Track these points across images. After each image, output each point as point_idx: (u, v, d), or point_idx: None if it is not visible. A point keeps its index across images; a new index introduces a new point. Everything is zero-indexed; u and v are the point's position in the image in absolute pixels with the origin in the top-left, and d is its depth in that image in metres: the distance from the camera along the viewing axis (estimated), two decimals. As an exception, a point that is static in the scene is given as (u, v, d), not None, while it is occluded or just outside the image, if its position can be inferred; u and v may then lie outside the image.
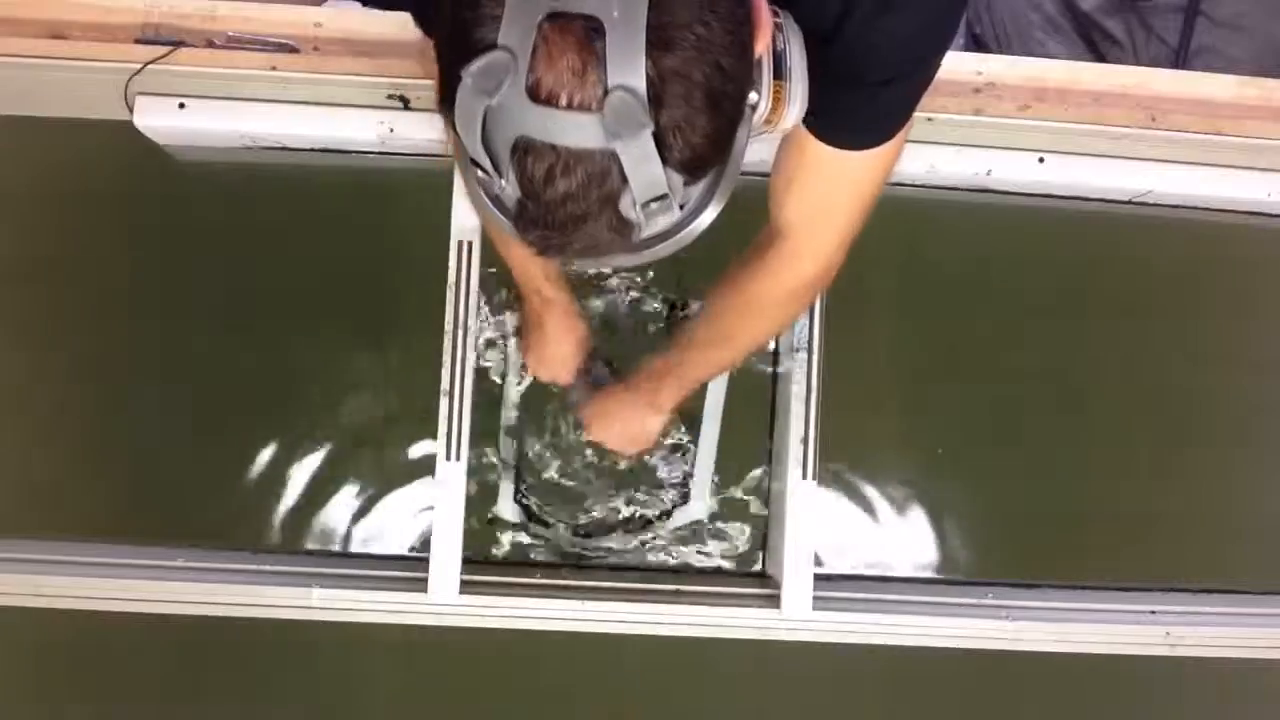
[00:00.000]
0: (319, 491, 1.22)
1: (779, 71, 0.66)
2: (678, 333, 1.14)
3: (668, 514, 1.25)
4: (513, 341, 1.25)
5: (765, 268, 0.92)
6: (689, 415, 1.25)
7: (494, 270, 1.21)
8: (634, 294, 1.27)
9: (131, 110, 1.13)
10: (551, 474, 1.25)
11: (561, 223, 0.56)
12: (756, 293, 0.95)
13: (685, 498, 1.25)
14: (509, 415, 1.25)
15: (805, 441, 1.13)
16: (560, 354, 1.19)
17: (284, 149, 1.21)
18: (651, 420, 1.14)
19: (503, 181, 0.56)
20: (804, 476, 1.13)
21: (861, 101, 0.75)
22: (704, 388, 1.25)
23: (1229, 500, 1.30)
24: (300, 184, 1.23)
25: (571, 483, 1.25)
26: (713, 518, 1.25)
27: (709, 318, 1.03)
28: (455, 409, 1.10)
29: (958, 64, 1.14)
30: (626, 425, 1.16)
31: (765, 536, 1.24)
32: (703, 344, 1.04)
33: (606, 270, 1.26)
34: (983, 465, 1.27)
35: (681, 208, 0.59)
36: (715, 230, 0.61)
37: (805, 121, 0.77)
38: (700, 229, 0.61)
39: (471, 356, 1.11)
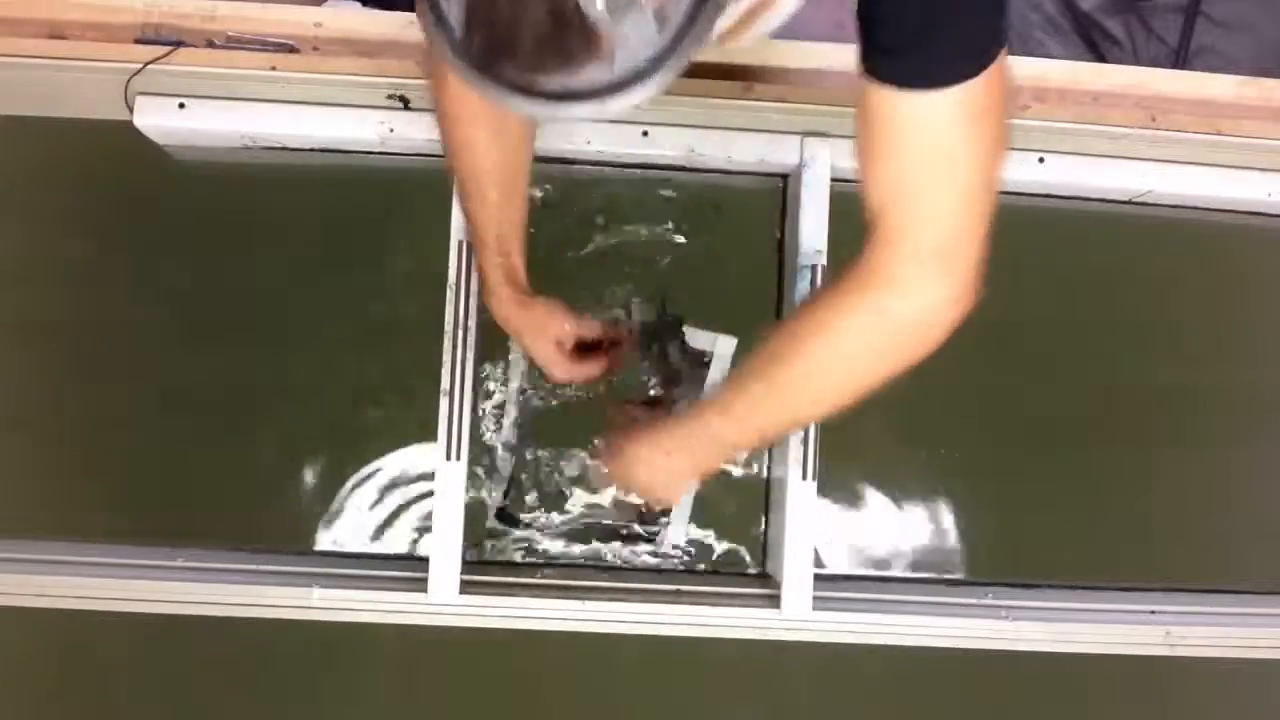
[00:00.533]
0: (319, 492, 1.22)
1: None
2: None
3: (648, 537, 1.23)
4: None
5: (847, 273, 0.74)
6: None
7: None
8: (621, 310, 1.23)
9: (131, 110, 1.13)
10: (533, 494, 1.23)
11: (505, 12, 0.49)
12: (831, 300, 0.74)
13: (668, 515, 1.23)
14: (509, 427, 1.24)
15: (805, 441, 1.12)
16: (522, 341, 1.06)
17: (284, 149, 1.21)
18: (640, 469, 0.93)
19: None
20: (804, 477, 1.12)
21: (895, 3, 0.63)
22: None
23: (1230, 500, 1.30)
24: (300, 184, 1.23)
25: (550, 498, 1.23)
26: (699, 538, 1.23)
27: (762, 345, 0.80)
28: (455, 409, 1.10)
29: (958, 64, 1.14)
30: (633, 470, 0.95)
31: (765, 537, 1.24)
32: (748, 377, 0.81)
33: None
34: (983, 465, 1.27)
35: (659, 33, 0.50)
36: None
37: (861, 57, 0.66)
38: (677, 67, 0.52)
39: (471, 356, 1.11)
